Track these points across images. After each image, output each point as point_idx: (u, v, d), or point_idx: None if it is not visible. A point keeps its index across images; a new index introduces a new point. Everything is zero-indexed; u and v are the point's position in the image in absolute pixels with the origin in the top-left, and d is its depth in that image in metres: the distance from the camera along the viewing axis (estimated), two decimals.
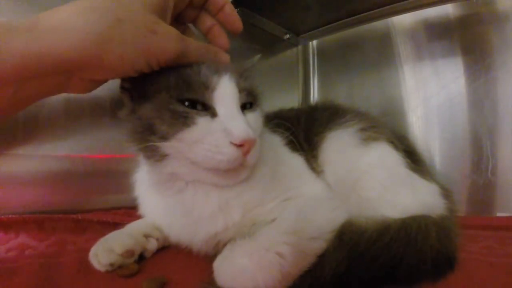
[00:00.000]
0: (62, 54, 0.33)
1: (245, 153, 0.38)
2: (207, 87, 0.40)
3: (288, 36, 1.09)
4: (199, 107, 0.40)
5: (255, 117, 0.44)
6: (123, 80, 0.44)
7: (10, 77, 0.33)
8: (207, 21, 0.51)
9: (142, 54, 0.36)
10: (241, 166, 0.40)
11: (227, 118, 0.39)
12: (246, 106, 0.44)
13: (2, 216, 0.51)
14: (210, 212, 0.43)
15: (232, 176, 0.41)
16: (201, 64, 0.42)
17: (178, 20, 0.50)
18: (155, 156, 0.41)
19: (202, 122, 0.38)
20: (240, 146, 0.37)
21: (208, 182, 0.42)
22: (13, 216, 0.52)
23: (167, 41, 0.38)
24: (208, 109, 0.40)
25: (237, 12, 0.87)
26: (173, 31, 0.39)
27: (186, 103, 0.39)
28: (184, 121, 0.38)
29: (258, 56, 0.52)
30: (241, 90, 0.42)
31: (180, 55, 0.39)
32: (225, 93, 0.40)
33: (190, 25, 0.54)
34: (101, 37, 0.34)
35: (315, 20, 1.03)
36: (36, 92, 0.38)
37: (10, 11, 0.57)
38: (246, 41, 0.97)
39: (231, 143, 0.37)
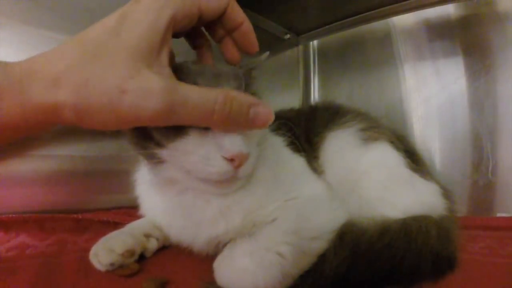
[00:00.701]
0: (43, 116, 0.32)
1: (237, 167, 0.38)
2: None
3: (288, 36, 1.09)
4: None
5: None
6: None
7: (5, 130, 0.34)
8: (220, 31, 0.44)
9: (114, 119, 0.30)
10: (233, 177, 0.39)
11: (220, 131, 0.38)
12: None
13: (2, 216, 0.51)
14: (211, 216, 0.42)
15: (224, 187, 0.40)
16: (197, 73, 0.40)
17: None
18: (153, 160, 0.41)
19: (195, 133, 0.38)
20: (231, 160, 0.37)
21: (202, 190, 0.42)
22: (13, 215, 0.52)
23: (141, 99, 0.29)
24: None
25: None
26: (155, 84, 0.29)
27: None
28: (176, 132, 0.37)
29: (267, 53, 0.49)
30: None
31: (170, 113, 0.30)
32: None
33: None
34: (72, 104, 0.30)
35: (316, 20, 1.03)
36: (35, 130, 0.37)
37: (11, 10, 0.57)
38: None
39: (222, 156, 0.37)
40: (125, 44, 0.30)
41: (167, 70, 0.33)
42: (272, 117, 0.35)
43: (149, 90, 0.29)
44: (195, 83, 0.37)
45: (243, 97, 0.34)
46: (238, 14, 0.42)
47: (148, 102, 0.29)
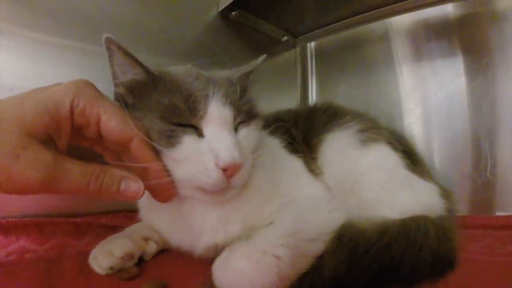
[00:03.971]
0: None
1: (229, 177, 0.38)
2: (195, 114, 0.39)
3: (286, 38, 1.09)
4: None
5: (249, 132, 0.43)
6: (117, 86, 0.43)
7: None
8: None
9: (6, 181, 0.33)
10: (226, 187, 0.39)
11: (214, 140, 0.38)
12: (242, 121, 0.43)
13: (2, 220, 0.51)
14: (210, 225, 0.43)
15: (218, 196, 0.40)
16: (190, 83, 0.40)
17: None
18: None
19: (188, 141, 0.38)
20: (224, 170, 0.37)
21: (196, 199, 0.42)
22: (13, 219, 0.52)
23: (29, 168, 0.32)
24: (196, 128, 0.39)
25: (235, 14, 0.90)
26: (41, 157, 0.33)
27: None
28: (169, 141, 0.37)
29: (264, 56, 0.49)
30: (236, 111, 0.41)
31: (53, 182, 0.33)
32: (213, 117, 0.39)
33: None
34: None
35: (313, 21, 1.03)
36: None
37: (10, 15, 0.57)
38: (244, 43, 0.97)
39: (217, 165, 0.37)
40: (22, 118, 0.33)
41: (59, 147, 0.36)
42: (141, 192, 0.37)
43: (36, 160, 0.33)
44: (188, 95, 0.38)
45: (116, 172, 0.37)
46: (143, 157, 0.38)
47: (33, 172, 0.32)
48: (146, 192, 0.45)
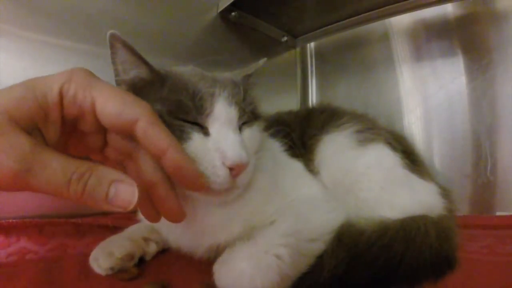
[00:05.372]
0: None
1: (234, 176, 0.38)
2: (201, 112, 0.38)
3: (285, 38, 1.09)
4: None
5: (253, 133, 0.43)
6: (118, 83, 0.42)
7: None
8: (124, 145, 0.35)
9: None
10: (231, 186, 0.39)
11: (221, 139, 0.38)
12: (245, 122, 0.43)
13: (3, 221, 0.51)
14: (212, 226, 0.42)
15: (222, 195, 0.40)
16: (196, 82, 0.40)
17: None
18: None
19: (197, 138, 0.37)
20: (230, 168, 0.37)
21: (199, 199, 0.41)
22: (14, 220, 0.52)
23: (4, 156, 0.27)
24: (202, 127, 0.39)
25: (235, 15, 0.90)
26: (17, 144, 0.28)
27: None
28: (180, 135, 0.37)
29: (264, 59, 0.50)
30: (240, 112, 0.41)
31: (28, 173, 0.27)
32: (219, 116, 0.39)
33: None
34: None
35: (313, 22, 1.03)
36: None
37: (9, 16, 0.57)
38: (244, 44, 0.97)
39: (223, 164, 0.37)
40: (7, 104, 0.29)
41: (47, 140, 0.32)
42: (135, 200, 0.29)
43: (13, 148, 0.27)
44: (193, 92, 0.38)
45: (107, 172, 0.29)
46: (153, 142, 0.32)
47: (8, 158, 0.27)
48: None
